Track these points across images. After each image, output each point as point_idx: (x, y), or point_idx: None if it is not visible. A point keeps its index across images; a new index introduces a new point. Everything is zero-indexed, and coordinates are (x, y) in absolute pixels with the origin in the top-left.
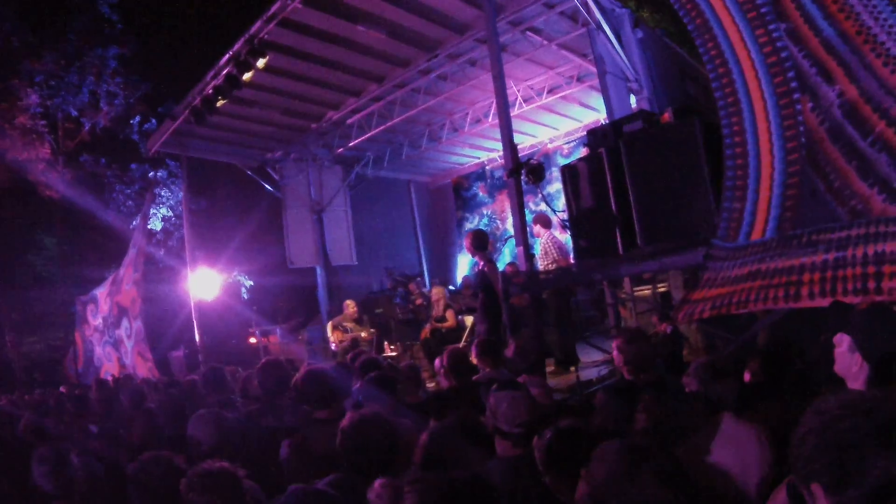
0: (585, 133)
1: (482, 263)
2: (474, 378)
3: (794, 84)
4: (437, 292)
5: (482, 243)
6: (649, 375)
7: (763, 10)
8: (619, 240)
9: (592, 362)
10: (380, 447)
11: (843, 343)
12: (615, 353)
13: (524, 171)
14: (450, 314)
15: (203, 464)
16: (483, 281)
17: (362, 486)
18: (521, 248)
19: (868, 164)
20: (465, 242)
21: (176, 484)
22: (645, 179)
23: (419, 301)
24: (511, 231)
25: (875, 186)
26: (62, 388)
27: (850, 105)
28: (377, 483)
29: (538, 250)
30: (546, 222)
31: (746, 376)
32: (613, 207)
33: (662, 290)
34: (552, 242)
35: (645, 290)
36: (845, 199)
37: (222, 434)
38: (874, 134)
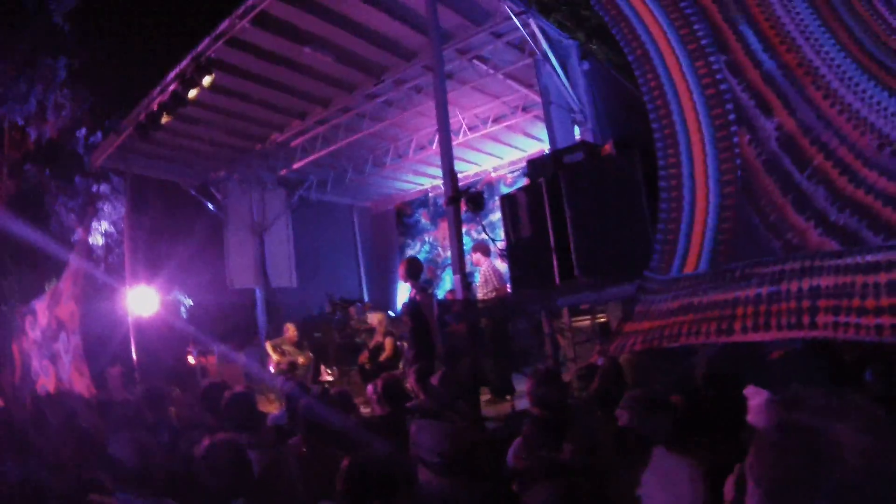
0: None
1: (414, 291)
2: (408, 405)
3: (731, 116)
4: (376, 318)
5: (415, 272)
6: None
7: (703, 41)
8: (556, 270)
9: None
10: (228, 473)
11: (758, 396)
12: (527, 395)
13: (464, 200)
14: (388, 342)
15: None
16: (413, 309)
17: None
18: (458, 276)
19: (804, 198)
20: (400, 270)
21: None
22: (584, 210)
23: (358, 326)
24: None
25: (811, 220)
26: None
27: (788, 138)
28: None
29: (478, 278)
30: (486, 251)
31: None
32: (551, 238)
33: (602, 320)
34: (492, 271)
35: (584, 321)
36: (781, 232)
37: (145, 455)
38: (811, 167)
